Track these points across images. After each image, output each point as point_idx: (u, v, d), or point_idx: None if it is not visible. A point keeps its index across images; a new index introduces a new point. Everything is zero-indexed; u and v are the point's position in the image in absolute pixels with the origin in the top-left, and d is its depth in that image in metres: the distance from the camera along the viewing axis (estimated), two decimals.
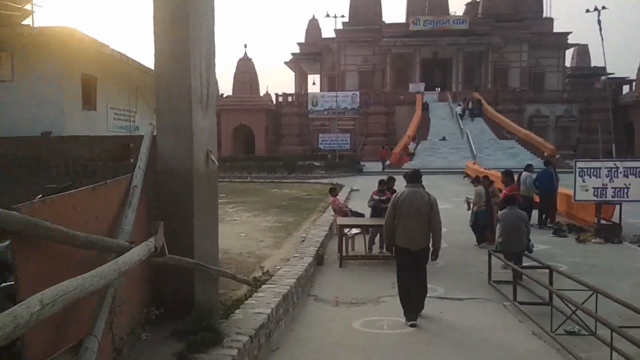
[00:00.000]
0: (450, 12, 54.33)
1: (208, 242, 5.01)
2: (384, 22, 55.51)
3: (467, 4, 61.56)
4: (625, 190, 10.31)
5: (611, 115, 34.67)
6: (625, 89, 50.91)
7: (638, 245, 9.98)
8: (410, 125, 39.85)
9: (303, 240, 10.16)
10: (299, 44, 62.44)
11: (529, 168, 12.68)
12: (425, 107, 43.80)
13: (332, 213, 11.61)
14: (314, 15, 63.18)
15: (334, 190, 11.65)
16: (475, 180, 11.13)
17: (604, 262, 8.96)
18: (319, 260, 8.95)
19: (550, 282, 6.30)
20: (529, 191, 12.13)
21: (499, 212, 7.55)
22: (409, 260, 6.12)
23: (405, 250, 6.10)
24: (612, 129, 33.45)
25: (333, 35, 52.80)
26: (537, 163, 28.31)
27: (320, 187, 24.80)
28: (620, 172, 10.32)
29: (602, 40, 31.56)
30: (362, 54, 54.43)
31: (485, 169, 24.40)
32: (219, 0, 5.25)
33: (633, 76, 51.52)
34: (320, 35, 59.41)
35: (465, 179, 25.24)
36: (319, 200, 18.51)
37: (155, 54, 4.67)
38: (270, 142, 48.09)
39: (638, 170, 10.27)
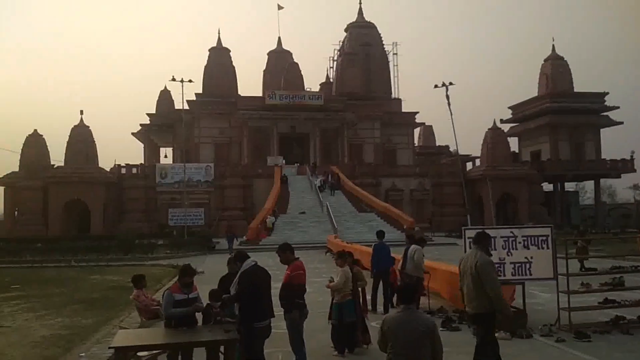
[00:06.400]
0: (305, 89, 54.55)
1: None
2: (239, 94, 53.99)
3: (322, 84, 62.87)
4: (527, 265, 7.99)
5: (463, 189, 35.39)
6: (469, 165, 54.13)
7: (555, 340, 7.52)
8: (268, 199, 37.30)
9: None
10: (148, 114, 58.09)
11: (416, 241, 9.71)
12: (284, 180, 41.90)
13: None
14: (165, 86, 59.55)
15: (138, 281, 7.51)
16: (340, 256, 7.98)
17: None
18: None
19: None
20: (419, 271, 9.32)
21: (385, 316, 4.49)
22: None
23: None
24: (465, 202, 33.92)
25: (186, 106, 49.78)
26: (397, 236, 27.09)
27: (158, 270, 20.55)
28: (519, 243, 7.98)
29: (451, 114, 32.49)
30: (218, 126, 51.88)
31: (347, 242, 22.13)
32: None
33: (472, 154, 55.44)
34: (173, 107, 55.87)
35: (327, 254, 22.86)
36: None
37: None
38: (109, 220, 42.01)
39: (540, 239, 8.04)
